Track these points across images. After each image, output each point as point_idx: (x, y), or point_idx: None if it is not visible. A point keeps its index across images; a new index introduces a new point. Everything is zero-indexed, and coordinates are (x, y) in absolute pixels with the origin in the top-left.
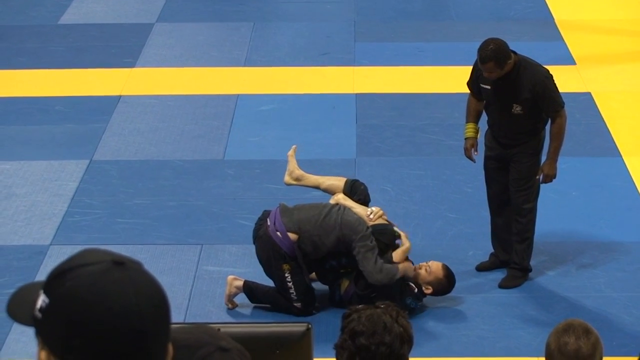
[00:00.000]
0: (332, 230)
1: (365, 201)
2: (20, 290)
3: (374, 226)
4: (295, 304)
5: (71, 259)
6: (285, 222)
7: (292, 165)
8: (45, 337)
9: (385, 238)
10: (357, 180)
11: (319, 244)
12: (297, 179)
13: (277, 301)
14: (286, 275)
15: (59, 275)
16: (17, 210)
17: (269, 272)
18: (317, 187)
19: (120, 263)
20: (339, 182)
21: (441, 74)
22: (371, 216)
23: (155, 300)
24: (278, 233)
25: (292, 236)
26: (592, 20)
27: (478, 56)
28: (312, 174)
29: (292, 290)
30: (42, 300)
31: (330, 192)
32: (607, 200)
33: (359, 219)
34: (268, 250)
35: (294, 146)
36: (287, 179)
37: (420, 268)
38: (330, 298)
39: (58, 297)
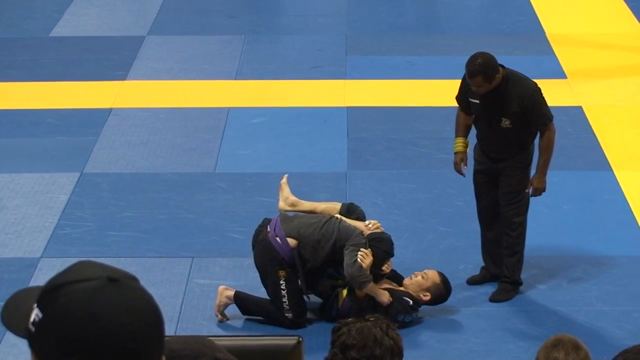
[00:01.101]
0: (331, 235)
1: (362, 220)
2: (14, 297)
3: (371, 234)
4: (286, 314)
5: (66, 273)
6: (285, 228)
7: (287, 192)
8: (38, 351)
9: (384, 245)
10: (352, 203)
11: (318, 249)
12: (292, 205)
13: (269, 313)
14: (281, 282)
15: (53, 289)
16: (7, 222)
17: (264, 279)
18: (312, 212)
19: (115, 280)
20: (334, 205)
21: (432, 87)
22: (369, 226)
23: (148, 317)
24: (277, 238)
25: (292, 242)
26: (583, 34)
27: (466, 70)
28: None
29: (284, 299)
30: (35, 314)
31: (326, 214)
32: (598, 214)
33: (356, 229)
34: (266, 256)
35: (286, 175)
36: (281, 205)
37: (416, 276)
38: (326, 313)
39: (51, 313)
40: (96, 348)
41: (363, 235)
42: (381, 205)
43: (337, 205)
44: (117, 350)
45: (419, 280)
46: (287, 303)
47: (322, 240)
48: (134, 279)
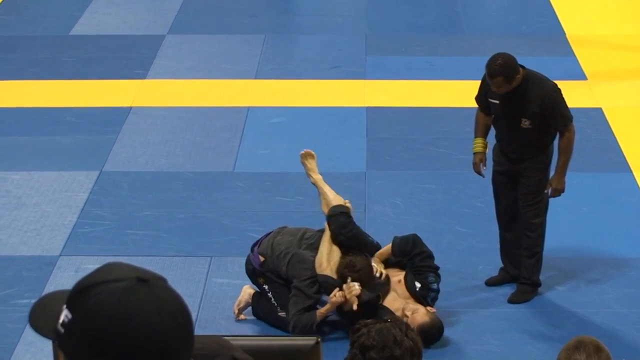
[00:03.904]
0: (283, 265)
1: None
2: (43, 300)
3: (320, 276)
4: (279, 314)
5: (95, 274)
6: (262, 244)
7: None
8: (67, 352)
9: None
10: (339, 215)
11: (277, 270)
12: (313, 182)
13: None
14: (265, 287)
15: (83, 290)
16: (27, 220)
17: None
18: (322, 197)
19: (145, 280)
20: (335, 201)
21: (452, 88)
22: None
23: (179, 318)
24: (251, 254)
25: (261, 258)
26: (603, 35)
27: (486, 71)
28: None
29: (273, 301)
30: (65, 315)
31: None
32: (617, 216)
33: (310, 267)
34: (248, 272)
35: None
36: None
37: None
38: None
39: (81, 313)
40: (127, 347)
41: (313, 275)
42: (400, 206)
43: (329, 204)
44: (148, 349)
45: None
46: (276, 304)
47: (277, 265)
48: (162, 279)
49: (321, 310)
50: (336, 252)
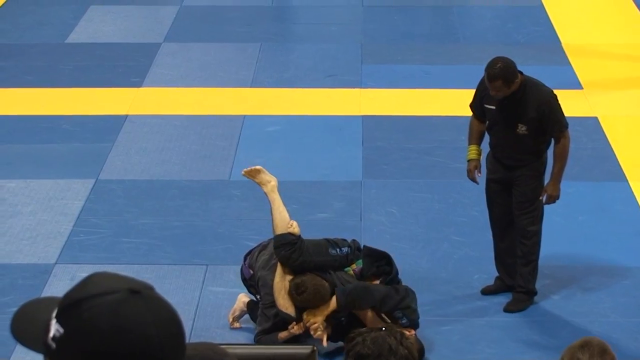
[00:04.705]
0: (256, 278)
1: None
2: (24, 310)
3: (278, 310)
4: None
5: (84, 287)
6: (252, 257)
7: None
8: None
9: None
10: (280, 248)
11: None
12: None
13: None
14: (257, 296)
15: (74, 304)
16: (22, 228)
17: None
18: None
19: (137, 291)
20: (279, 227)
21: (448, 96)
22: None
23: (172, 327)
24: (244, 264)
25: (250, 271)
26: (599, 45)
27: (486, 74)
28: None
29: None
30: (55, 329)
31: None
32: (612, 225)
33: (269, 292)
34: (242, 280)
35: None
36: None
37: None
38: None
39: (75, 328)
40: None
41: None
42: (396, 215)
43: (277, 230)
44: None
45: None
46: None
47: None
48: (151, 288)
49: (281, 335)
50: (288, 279)
